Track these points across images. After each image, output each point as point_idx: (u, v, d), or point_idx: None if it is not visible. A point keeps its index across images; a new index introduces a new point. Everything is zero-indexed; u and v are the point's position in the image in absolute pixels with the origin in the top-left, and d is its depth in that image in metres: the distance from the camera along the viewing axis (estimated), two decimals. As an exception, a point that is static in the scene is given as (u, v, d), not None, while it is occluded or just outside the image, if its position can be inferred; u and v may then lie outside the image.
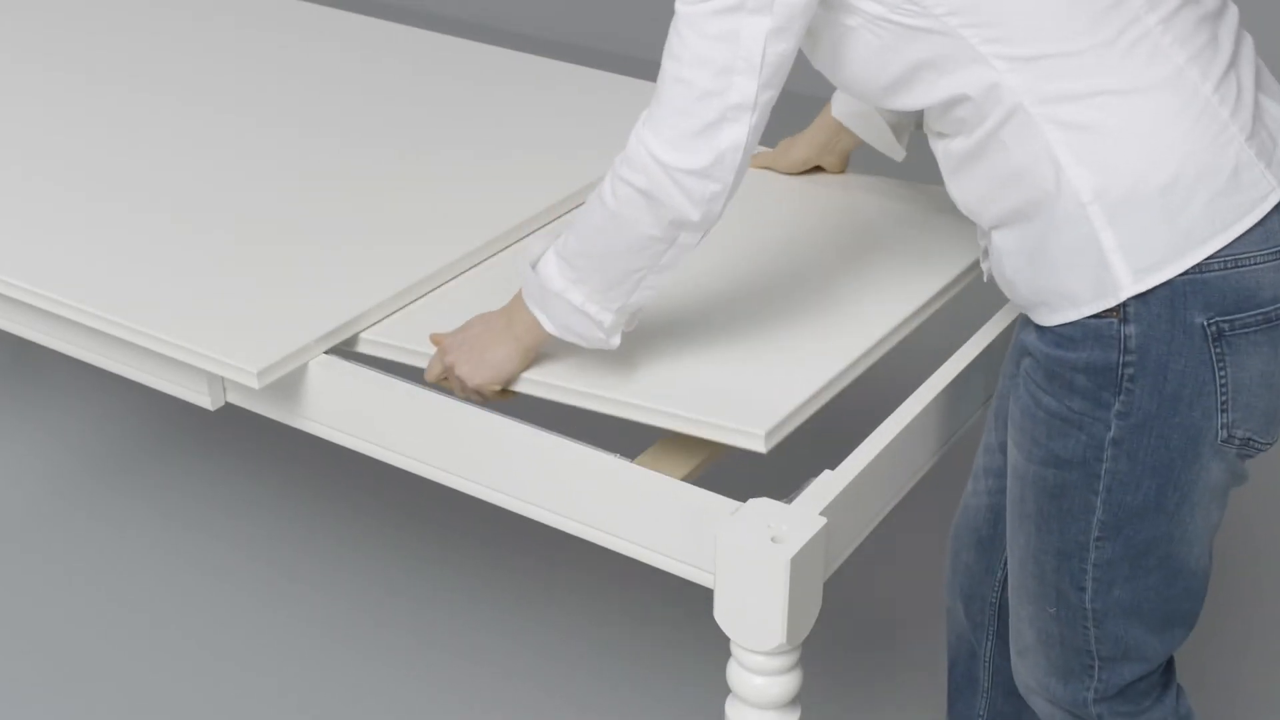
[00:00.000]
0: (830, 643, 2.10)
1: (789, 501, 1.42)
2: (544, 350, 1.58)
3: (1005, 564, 1.74)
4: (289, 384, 1.65)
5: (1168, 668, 1.59)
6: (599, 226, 1.46)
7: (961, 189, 1.47)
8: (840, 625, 2.33)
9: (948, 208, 1.84)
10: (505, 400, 1.60)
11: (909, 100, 1.43)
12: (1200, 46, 1.37)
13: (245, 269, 1.76)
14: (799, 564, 1.35)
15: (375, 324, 1.70)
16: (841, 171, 1.99)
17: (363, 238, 1.83)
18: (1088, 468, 1.42)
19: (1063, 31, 1.33)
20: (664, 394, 1.53)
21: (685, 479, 1.48)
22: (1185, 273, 1.35)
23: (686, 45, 1.36)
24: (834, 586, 1.48)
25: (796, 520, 1.39)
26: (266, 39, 2.40)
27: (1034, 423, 1.46)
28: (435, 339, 1.64)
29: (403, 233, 1.84)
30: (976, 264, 1.76)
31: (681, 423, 1.51)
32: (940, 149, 1.48)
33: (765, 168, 1.99)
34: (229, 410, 1.74)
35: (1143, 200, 1.34)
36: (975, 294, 1.82)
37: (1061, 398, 1.42)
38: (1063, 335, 1.41)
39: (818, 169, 1.99)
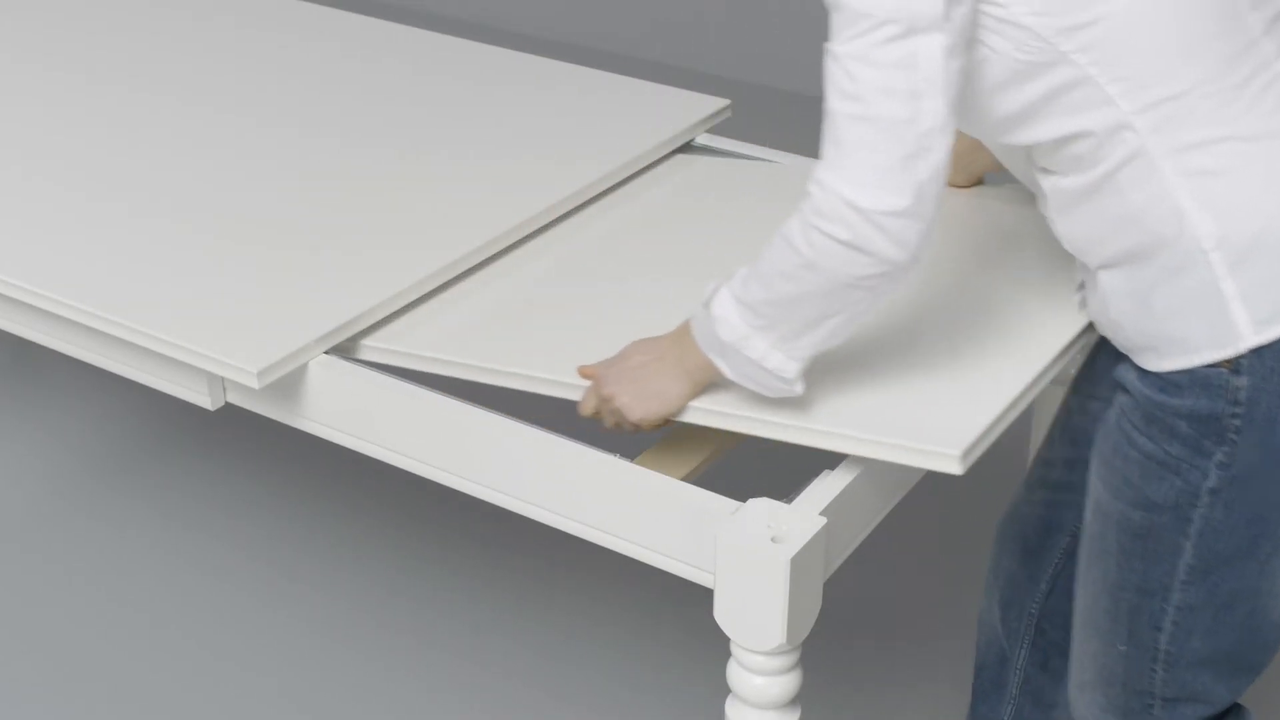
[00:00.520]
0: (830, 643, 2.09)
1: (789, 501, 1.42)
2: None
3: (1051, 578, 1.73)
4: (289, 384, 1.65)
5: (1230, 708, 1.56)
6: (790, 274, 1.35)
7: (1070, 227, 1.42)
8: (840, 625, 2.33)
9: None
10: (656, 430, 1.53)
11: (1024, 135, 1.38)
12: None
13: (245, 269, 1.76)
14: (799, 564, 1.35)
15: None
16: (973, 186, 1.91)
17: (363, 238, 1.83)
18: (1180, 512, 1.40)
19: (1192, 75, 1.30)
20: (844, 418, 1.46)
21: (685, 479, 1.48)
22: None
23: (860, 81, 1.27)
24: (834, 586, 1.47)
25: (796, 520, 1.39)
26: (266, 39, 2.40)
27: (1126, 463, 1.42)
28: (586, 371, 1.55)
29: (402, 233, 1.84)
30: None
31: (869, 447, 1.44)
32: (1048, 184, 1.43)
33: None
34: (229, 410, 1.74)
35: (1268, 248, 1.31)
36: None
37: (1160, 442, 1.39)
38: (1168, 380, 1.37)
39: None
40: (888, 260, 1.30)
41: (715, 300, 1.42)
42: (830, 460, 1.48)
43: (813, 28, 4.18)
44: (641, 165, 2.02)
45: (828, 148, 1.31)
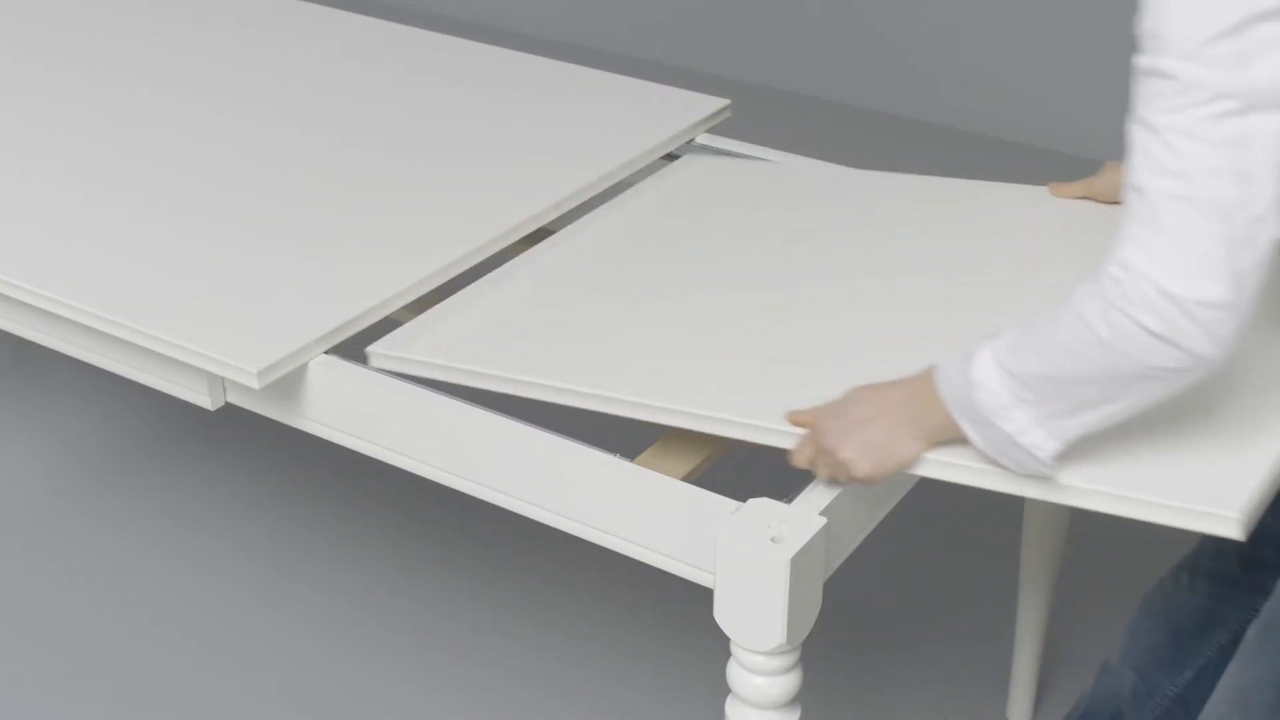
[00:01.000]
0: (830, 643, 2.09)
1: (789, 501, 1.42)
2: None
3: (1199, 667, 1.71)
4: (289, 384, 1.65)
5: None
6: (1078, 352, 1.23)
7: None
8: (840, 625, 2.33)
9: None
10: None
11: None
12: None
13: (245, 269, 1.76)
14: (799, 564, 1.35)
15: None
16: None
17: (363, 237, 1.83)
18: None
19: None
20: (1100, 473, 1.35)
21: (685, 479, 1.48)
22: None
23: (1187, 157, 1.15)
24: (834, 586, 1.47)
25: (796, 520, 1.39)
26: (266, 39, 2.40)
27: None
28: (802, 420, 1.44)
29: (402, 233, 1.84)
30: None
31: (1138, 507, 1.32)
32: None
33: (1084, 197, 1.80)
34: (229, 410, 1.74)
35: None
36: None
37: None
38: None
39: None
40: (1196, 355, 1.18)
41: (975, 364, 1.30)
42: (830, 460, 1.47)
43: (813, 28, 4.19)
44: (641, 165, 2.02)
45: (1137, 228, 1.19)
